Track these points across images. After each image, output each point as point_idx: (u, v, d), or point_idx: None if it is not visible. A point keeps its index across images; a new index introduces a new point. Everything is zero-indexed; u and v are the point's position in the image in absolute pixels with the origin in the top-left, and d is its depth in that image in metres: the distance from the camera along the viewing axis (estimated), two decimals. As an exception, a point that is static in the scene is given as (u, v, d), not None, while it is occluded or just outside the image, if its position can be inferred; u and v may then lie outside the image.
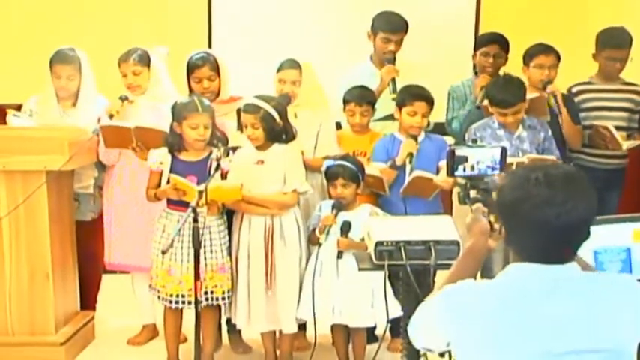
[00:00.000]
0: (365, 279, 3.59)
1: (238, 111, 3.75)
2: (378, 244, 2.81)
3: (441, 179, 3.77)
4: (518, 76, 4.11)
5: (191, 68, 4.03)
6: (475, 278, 2.07)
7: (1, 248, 3.84)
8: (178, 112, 3.73)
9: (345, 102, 4.10)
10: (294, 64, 3.96)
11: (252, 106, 3.70)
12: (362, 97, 4.08)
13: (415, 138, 3.94)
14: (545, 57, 4.22)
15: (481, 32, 5.17)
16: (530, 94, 4.04)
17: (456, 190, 3.30)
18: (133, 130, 3.84)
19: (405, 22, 4.35)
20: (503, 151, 2.50)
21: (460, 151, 2.45)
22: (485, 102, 4.10)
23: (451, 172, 2.44)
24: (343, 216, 3.74)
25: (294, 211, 3.83)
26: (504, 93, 3.94)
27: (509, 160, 3.40)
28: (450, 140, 4.32)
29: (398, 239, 2.79)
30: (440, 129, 4.35)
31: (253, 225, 3.79)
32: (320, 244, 3.72)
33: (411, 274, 2.73)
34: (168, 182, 3.71)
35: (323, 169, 3.82)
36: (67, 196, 4.04)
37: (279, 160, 3.75)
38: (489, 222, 2.16)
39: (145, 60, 4.04)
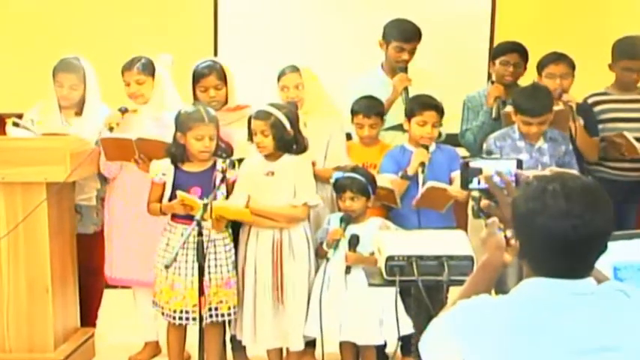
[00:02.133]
0: (374, 295, 3.59)
1: (250, 119, 3.77)
2: (389, 258, 2.81)
3: (456, 189, 3.78)
4: (546, 86, 4.11)
5: (197, 77, 4.04)
6: (490, 294, 2.08)
7: (-1, 262, 3.85)
8: (183, 122, 3.73)
9: (353, 113, 4.12)
10: (294, 69, 4.00)
11: (262, 112, 3.72)
12: (370, 109, 4.09)
13: (427, 147, 3.95)
14: (556, 66, 4.22)
15: (496, 40, 5.17)
16: (556, 107, 4.04)
17: (470, 203, 3.29)
18: (134, 141, 3.85)
19: (419, 30, 4.36)
20: (519, 163, 2.50)
21: (474, 163, 2.45)
22: (509, 108, 4.10)
23: (465, 184, 2.44)
24: (352, 229, 3.74)
25: (304, 225, 3.84)
26: (532, 102, 3.94)
27: (527, 172, 3.40)
28: (462, 152, 4.32)
29: (409, 254, 2.79)
30: (453, 140, 4.35)
31: (261, 238, 3.79)
32: (328, 259, 3.73)
33: (423, 291, 2.72)
34: (171, 195, 3.73)
35: (332, 180, 3.83)
36: (67, 207, 4.05)
37: (289, 171, 3.76)
38: (505, 236, 2.16)
39: (149, 69, 4.05)
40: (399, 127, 4.16)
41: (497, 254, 2.15)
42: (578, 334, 1.86)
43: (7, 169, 3.76)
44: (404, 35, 4.33)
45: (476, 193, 2.42)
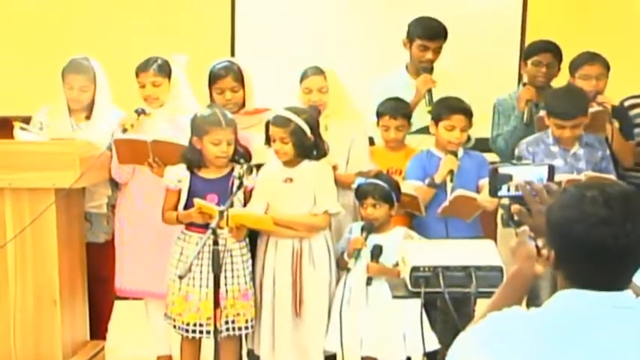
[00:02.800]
0: (396, 308, 3.58)
1: (267, 124, 3.76)
2: (414, 269, 2.80)
3: (485, 198, 3.76)
4: (581, 87, 4.09)
5: (213, 78, 4.04)
6: (520, 306, 2.06)
7: (5, 271, 3.86)
8: (199, 126, 3.73)
9: (379, 115, 4.11)
10: (318, 71, 3.98)
11: (281, 118, 3.72)
12: (396, 110, 4.08)
13: (455, 154, 3.95)
14: (591, 66, 4.19)
15: (528, 39, 5.15)
16: (592, 109, 4.02)
17: (499, 211, 3.29)
18: (149, 143, 3.85)
19: (444, 28, 4.36)
20: (551, 169, 2.49)
21: (503, 169, 2.45)
22: (542, 113, 4.08)
23: (494, 192, 2.43)
24: (374, 239, 3.73)
25: (325, 234, 3.83)
26: (565, 104, 3.92)
27: (562, 177, 3.38)
28: (493, 158, 4.30)
29: (436, 264, 2.78)
30: (481, 145, 4.33)
31: (280, 248, 3.79)
32: (349, 270, 3.73)
33: (449, 303, 2.71)
34: (187, 202, 3.74)
35: (353, 186, 3.82)
36: (77, 215, 4.07)
37: (309, 177, 3.76)
38: (536, 246, 2.15)
39: (166, 70, 4.05)
40: (424, 131, 4.15)
41: (527, 264, 2.13)
42: (618, 349, 1.84)
43: (14, 174, 3.79)
44: (428, 33, 4.33)
45: (505, 201, 2.42)
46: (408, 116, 4.11)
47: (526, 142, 4.04)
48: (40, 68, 4.54)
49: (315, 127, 3.75)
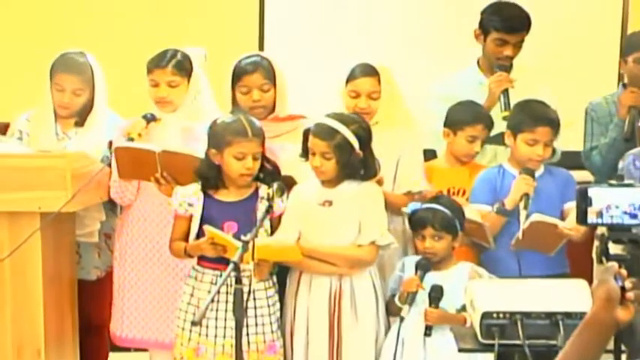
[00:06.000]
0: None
1: (306, 133, 3.77)
2: (485, 316, 2.82)
3: (570, 226, 3.78)
4: None
5: (238, 75, 4.08)
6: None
7: (-21, 315, 3.88)
8: (219, 136, 3.74)
9: (463, 123, 4.12)
10: (369, 71, 4.00)
11: (325, 128, 3.73)
12: (489, 118, 4.14)
13: (532, 173, 3.97)
14: None
15: (629, 30, 5.14)
16: None
17: (595, 243, 3.30)
18: (158, 154, 3.86)
19: (527, 17, 4.39)
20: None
21: (595, 190, 2.48)
22: None
23: (582, 218, 2.46)
24: (433, 277, 3.75)
25: (370, 271, 3.84)
26: None
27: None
28: (583, 176, 4.31)
29: (512, 310, 2.80)
30: (569, 160, 4.35)
31: (315, 288, 3.81)
32: (402, 318, 3.73)
33: (530, 359, 2.74)
34: (199, 231, 3.75)
35: (406, 211, 3.84)
36: (67, 245, 4.11)
37: (353, 201, 3.77)
38: (622, 287, 2.15)
39: (186, 68, 4.06)
40: (495, 140, 4.19)
41: (606, 308, 2.13)
42: None
43: (-10, 195, 3.80)
44: (507, 24, 4.36)
45: (600, 230, 2.44)
46: (489, 126, 4.16)
47: (633, 153, 3.95)
48: (21, 64, 4.55)
49: (366, 141, 3.74)
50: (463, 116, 4.14)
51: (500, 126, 4.16)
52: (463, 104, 4.19)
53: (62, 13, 5.32)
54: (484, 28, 4.41)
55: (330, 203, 3.80)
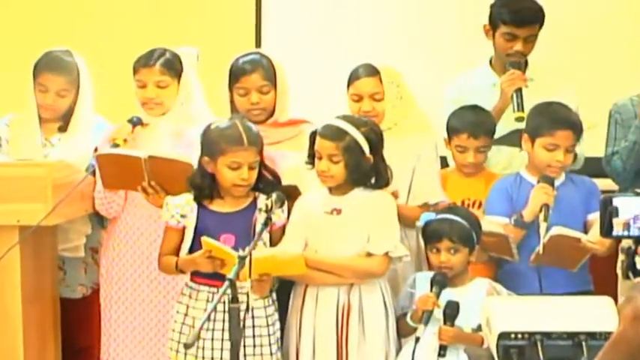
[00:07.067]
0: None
1: (313, 135, 3.77)
2: (503, 336, 2.82)
3: (594, 239, 3.76)
4: None
5: (235, 75, 4.08)
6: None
7: (-47, 338, 3.88)
8: (213, 144, 3.73)
9: (451, 131, 4.14)
10: (369, 71, 4.01)
11: (334, 129, 3.73)
12: (478, 126, 4.10)
13: (551, 181, 3.96)
14: None
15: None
16: None
17: (620, 257, 3.29)
18: (144, 160, 3.86)
19: (540, 9, 4.38)
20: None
21: (620, 201, 2.47)
22: None
23: (607, 230, 2.46)
24: (448, 294, 3.74)
25: (381, 284, 3.84)
26: None
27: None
28: (608, 184, 4.30)
29: (532, 330, 2.80)
30: (593, 167, 4.36)
31: (321, 302, 3.80)
32: (417, 339, 3.71)
33: (551, 382, 2.74)
34: (192, 245, 3.75)
35: (419, 224, 3.84)
36: (48, 262, 4.11)
37: (363, 209, 3.76)
38: None
39: (176, 68, 4.08)
40: (508, 140, 4.18)
41: (634, 327, 2.13)
42: None
43: (-35, 207, 3.81)
44: (516, 16, 4.34)
45: (626, 243, 2.44)
46: (492, 133, 4.13)
47: None
48: (2, 64, 4.55)
49: (377, 145, 3.74)
50: (453, 124, 4.15)
51: (510, 125, 4.16)
52: (458, 111, 4.18)
53: (50, 9, 5.35)
54: (493, 23, 4.41)
55: (339, 211, 3.80)
